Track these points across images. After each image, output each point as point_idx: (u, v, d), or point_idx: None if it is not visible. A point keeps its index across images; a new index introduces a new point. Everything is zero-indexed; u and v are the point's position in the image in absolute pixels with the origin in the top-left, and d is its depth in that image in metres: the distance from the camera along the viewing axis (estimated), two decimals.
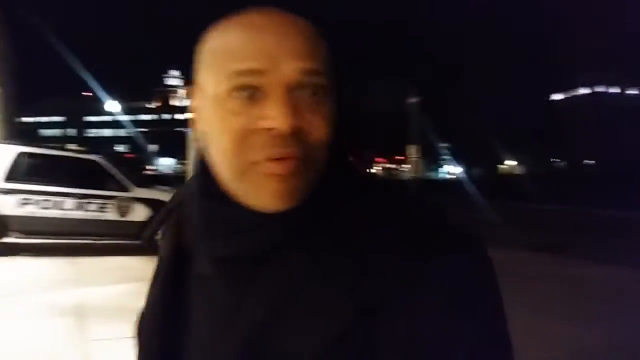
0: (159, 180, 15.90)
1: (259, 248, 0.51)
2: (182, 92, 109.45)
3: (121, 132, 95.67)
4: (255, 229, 0.50)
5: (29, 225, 7.56)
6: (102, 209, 7.80)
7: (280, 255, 0.50)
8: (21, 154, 7.68)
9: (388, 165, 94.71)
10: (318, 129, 0.49)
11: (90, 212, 7.73)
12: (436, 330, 0.44)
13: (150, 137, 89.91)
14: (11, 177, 7.51)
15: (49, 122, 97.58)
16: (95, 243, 7.97)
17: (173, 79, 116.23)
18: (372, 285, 0.45)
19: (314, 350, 0.45)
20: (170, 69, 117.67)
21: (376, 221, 0.49)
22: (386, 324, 0.44)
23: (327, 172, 0.51)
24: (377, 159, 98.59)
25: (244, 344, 0.50)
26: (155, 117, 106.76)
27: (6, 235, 7.64)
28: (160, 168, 51.80)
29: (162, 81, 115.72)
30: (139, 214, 7.84)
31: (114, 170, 8.04)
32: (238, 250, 0.52)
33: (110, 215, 7.76)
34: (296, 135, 0.47)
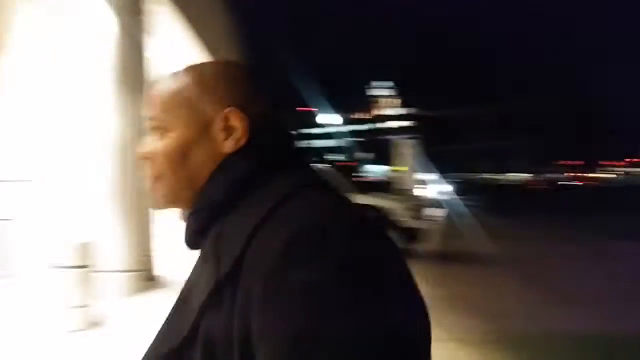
0: (371, 187, 16.01)
1: (186, 239, 0.72)
2: (387, 101, 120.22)
3: (336, 143, 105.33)
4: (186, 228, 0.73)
5: None
6: None
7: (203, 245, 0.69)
8: None
9: (623, 169, 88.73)
10: (158, 156, 0.71)
11: None
12: (251, 308, 0.56)
13: (361, 146, 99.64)
14: None
15: None
16: None
17: (378, 89, 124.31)
18: (223, 269, 0.61)
19: (201, 302, 0.62)
20: (376, 80, 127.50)
21: (235, 221, 0.64)
22: (232, 295, 0.59)
23: (212, 182, 0.69)
24: (602, 162, 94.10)
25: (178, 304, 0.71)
26: (366, 127, 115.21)
27: None
28: (371, 175, 52.05)
29: (369, 92, 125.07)
30: None
31: (334, 179, 8.98)
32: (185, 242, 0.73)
33: None
34: (148, 161, 0.72)
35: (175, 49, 9.55)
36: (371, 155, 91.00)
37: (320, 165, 9.56)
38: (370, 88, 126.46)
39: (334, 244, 0.56)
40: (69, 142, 5.84)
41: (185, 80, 0.72)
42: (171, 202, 0.73)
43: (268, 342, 0.53)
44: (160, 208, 0.74)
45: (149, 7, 5.58)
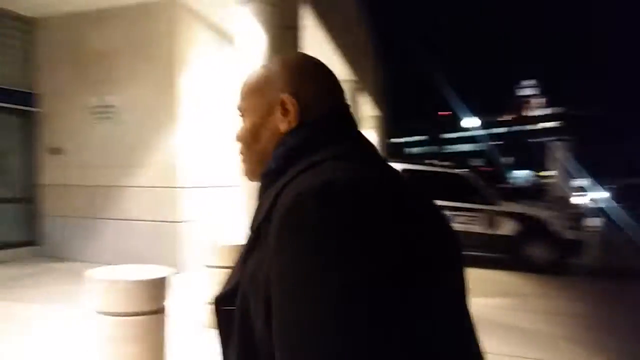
0: (518, 193, 15.58)
1: (256, 199, 0.84)
2: (535, 101, 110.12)
3: (476, 147, 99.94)
4: None
5: None
6: (470, 221, 8.01)
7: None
8: (404, 171, 8.26)
9: None
10: (240, 136, 0.88)
11: (460, 225, 7.92)
12: (264, 262, 0.68)
13: (504, 150, 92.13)
14: None
15: (413, 142, 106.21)
16: (463, 253, 11.09)
17: (526, 89, 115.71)
18: (257, 222, 0.74)
19: (245, 250, 0.76)
20: (523, 79, 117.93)
21: (275, 190, 0.74)
22: (263, 242, 0.71)
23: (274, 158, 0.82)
24: None
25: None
26: (508, 129, 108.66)
27: None
28: (515, 181, 49.68)
29: (515, 93, 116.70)
30: (506, 227, 7.99)
31: (480, 184, 8.42)
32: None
33: (478, 227, 7.99)
34: (237, 142, 0.89)
35: (322, 61, 9.82)
36: (514, 159, 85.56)
37: (460, 170, 8.85)
38: (514, 88, 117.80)
39: (324, 207, 0.62)
40: (231, 152, 6.28)
41: (256, 74, 0.87)
42: (252, 175, 0.88)
43: (274, 288, 0.63)
44: (249, 180, 0.91)
45: (300, 22, 5.78)
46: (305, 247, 0.61)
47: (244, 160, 0.89)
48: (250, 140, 0.86)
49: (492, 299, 5.94)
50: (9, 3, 7.29)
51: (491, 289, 6.53)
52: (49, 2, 7.22)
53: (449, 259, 0.70)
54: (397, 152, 67.69)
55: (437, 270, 0.65)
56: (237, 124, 0.90)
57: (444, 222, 0.73)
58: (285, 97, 0.81)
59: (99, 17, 7.41)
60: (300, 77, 0.83)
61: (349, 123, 0.84)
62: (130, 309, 2.89)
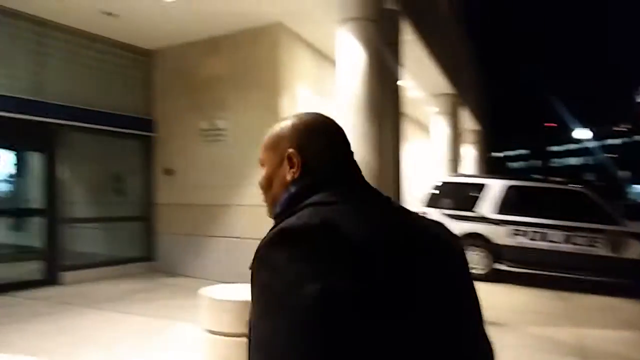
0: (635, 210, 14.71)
1: None
2: None
3: (586, 160, 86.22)
4: None
5: (518, 255, 7.74)
6: (591, 243, 7.33)
7: None
8: (510, 187, 8.05)
9: None
10: (260, 183, 1.02)
11: (578, 246, 7.37)
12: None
13: (620, 163, 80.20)
14: (502, 209, 7.90)
15: (515, 156, 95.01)
16: (582, 279, 7.53)
17: None
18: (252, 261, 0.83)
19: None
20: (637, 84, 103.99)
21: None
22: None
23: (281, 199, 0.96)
24: None
25: None
26: (625, 140, 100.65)
27: (499, 263, 7.94)
28: (636, 197, 43.90)
29: (633, 100, 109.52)
30: (633, 250, 7.17)
31: (601, 202, 7.63)
32: None
33: (600, 250, 7.28)
34: (259, 186, 1.03)
35: (421, 76, 9.64)
36: (631, 173, 77.51)
37: (575, 186, 8.01)
38: (633, 95, 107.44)
39: (273, 250, 0.79)
40: None
41: (272, 132, 1.02)
42: (270, 215, 1.01)
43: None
44: (269, 215, 1.01)
45: (400, 38, 5.66)
46: (258, 282, 0.79)
47: (264, 202, 1.04)
48: (266, 186, 1.02)
49: (614, 331, 5.40)
50: (130, 38, 7.98)
51: (614, 319, 5.94)
52: (164, 34, 7.76)
53: (407, 294, 0.77)
54: (499, 167, 61.87)
55: (376, 306, 0.73)
56: (259, 172, 1.05)
57: (416, 262, 0.82)
58: (292, 152, 0.96)
59: (208, 45, 7.83)
60: (306, 134, 0.97)
61: (347, 173, 0.97)
62: (240, 330, 2.89)
